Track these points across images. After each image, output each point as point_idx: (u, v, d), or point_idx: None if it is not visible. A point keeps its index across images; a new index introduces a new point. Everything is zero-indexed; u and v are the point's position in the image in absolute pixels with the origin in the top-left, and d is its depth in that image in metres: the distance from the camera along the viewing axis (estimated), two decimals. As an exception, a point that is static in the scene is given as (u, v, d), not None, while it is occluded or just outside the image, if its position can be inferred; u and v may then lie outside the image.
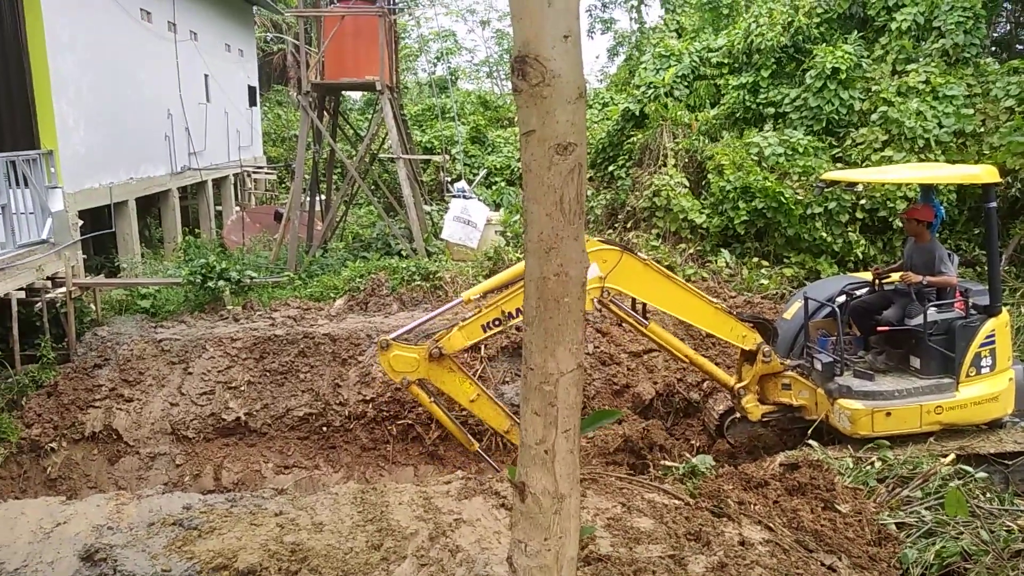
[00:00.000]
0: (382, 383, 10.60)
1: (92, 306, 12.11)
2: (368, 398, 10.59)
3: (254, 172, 24.83)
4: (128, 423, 10.45)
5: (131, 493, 7.10)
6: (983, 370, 7.80)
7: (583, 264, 2.12)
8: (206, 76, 21.41)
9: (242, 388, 10.92)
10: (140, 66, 17.12)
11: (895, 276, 8.53)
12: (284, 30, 34.72)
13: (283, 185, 26.45)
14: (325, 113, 16.49)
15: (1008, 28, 22.10)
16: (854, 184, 10.12)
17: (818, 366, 8.16)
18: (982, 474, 6.75)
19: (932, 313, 7.79)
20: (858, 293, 8.65)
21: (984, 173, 7.82)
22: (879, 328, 8.10)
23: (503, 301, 7.45)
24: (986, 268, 8.56)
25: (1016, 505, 6.01)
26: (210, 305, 12.59)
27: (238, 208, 22.33)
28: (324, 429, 10.66)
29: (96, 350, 11.11)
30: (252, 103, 26.85)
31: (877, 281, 8.64)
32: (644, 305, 8.16)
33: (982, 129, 13.42)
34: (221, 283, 12.60)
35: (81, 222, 13.60)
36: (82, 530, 5.91)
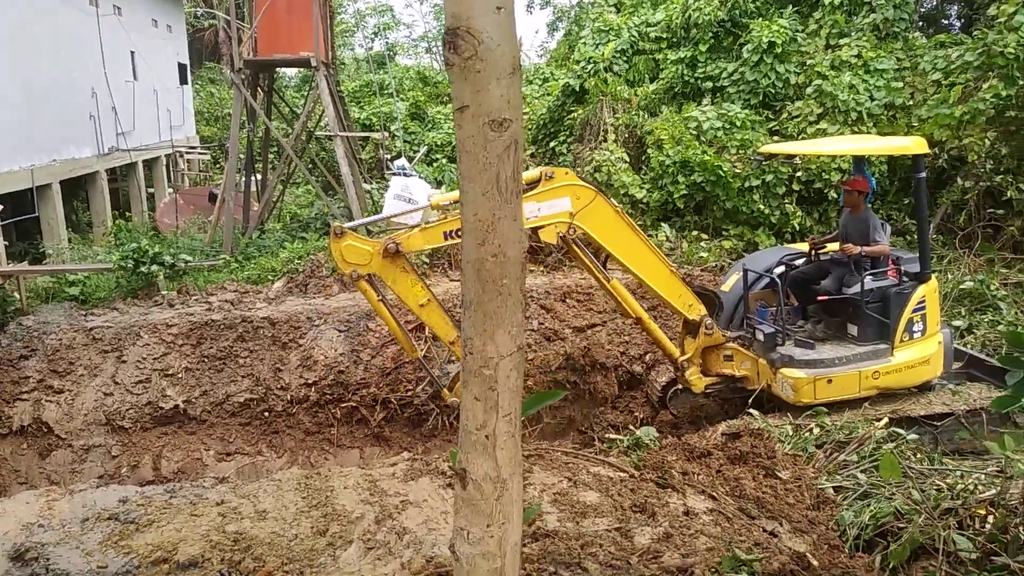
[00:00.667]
0: (324, 366, 10.45)
1: (16, 295, 11.61)
2: (310, 381, 10.42)
3: (187, 152, 24.07)
4: (59, 415, 10.09)
5: (64, 488, 6.85)
6: (915, 335, 8.07)
7: (522, 245, 2.07)
8: (132, 53, 20.60)
9: (179, 375, 10.63)
10: (60, 43, 16.36)
11: (831, 247, 8.71)
12: (215, 4, 33.57)
13: (217, 166, 25.72)
14: (259, 91, 16.04)
15: (935, 3, 22.68)
16: (792, 157, 10.26)
17: (760, 337, 8.31)
18: (913, 436, 6.98)
19: (868, 281, 8.00)
20: (795, 264, 8.81)
21: (914, 144, 8.02)
22: (818, 298, 8.28)
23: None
24: (916, 236, 8.81)
25: (944, 464, 6.22)
26: (143, 291, 12.19)
27: (171, 190, 21.65)
28: (266, 414, 10.46)
29: (22, 340, 10.66)
30: (183, 81, 25.97)
31: (813, 251, 8.82)
32: (605, 260, 8.16)
33: (911, 102, 13.76)
34: (154, 268, 12.20)
35: (0, 207, 12.98)
36: (11, 529, 5.68)
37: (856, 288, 8.05)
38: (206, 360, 10.76)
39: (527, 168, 16.21)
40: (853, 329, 8.21)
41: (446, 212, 7.41)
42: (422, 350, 8.14)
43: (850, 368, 7.92)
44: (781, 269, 8.75)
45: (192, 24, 33.86)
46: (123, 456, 10.06)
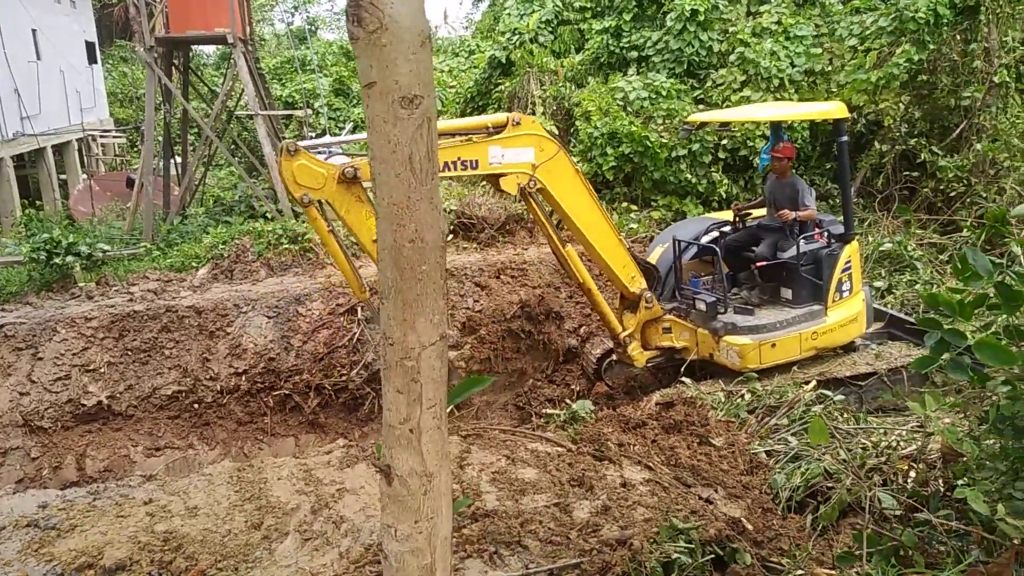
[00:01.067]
0: (254, 354, 10.17)
1: (-83, 292, 10.94)
2: (240, 370, 10.13)
3: (100, 136, 23.01)
4: (-29, 418, 9.57)
5: (-21, 494, 6.51)
6: (844, 295, 8.36)
7: (440, 229, 1.97)
8: (34, 31, 19.50)
9: (102, 370, 10.20)
10: (-48, 22, 15.36)
11: (756, 213, 8.85)
12: (122, -21, 32.01)
13: (135, 149, 24.67)
14: (175, 70, 15.37)
15: (849, -30, 23.13)
16: (727, 124, 10.35)
17: (701, 306, 8.33)
18: (839, 396, 7.19)
19: (802, 245, 8.20)
20: (723, 232, 8.93)
21: (836, 109, 8.26)
22: (757, 264, 8.41)
23: (442, 147, 6.82)
24: (839, 200, 9.06)
25: (869, 423, 6.41)
26: (59, 283, 11.63)
27: (85, 176, 20.69)
28: (196, 406, 10.14)
29: (-74, 341, 10.06)
30: (92, 60, 24.75)
31: (739, 219, 8.95)
32: (558, 224, 8.07)
33: (830, 68, 14.05)
34: (70, 259, 11.63)
35: None
36: (-81, 543, 5.36)
37: (791, 252, 8.24)
38: (130, 353, 10.35)
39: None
40: (787, 293, 8.41)
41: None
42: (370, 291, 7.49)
43: (791, 331, 8.13)
44: (712, 236, 8.86)
45: (99, 0, 32.26)
46: (44, 458, 9.62)
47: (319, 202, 6.78)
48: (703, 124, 9.81)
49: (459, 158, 6.92)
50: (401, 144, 1.86)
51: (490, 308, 8.13)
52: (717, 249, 8.48)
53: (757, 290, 8.70)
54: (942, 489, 4.60)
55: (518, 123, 7.13)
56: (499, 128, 7.07)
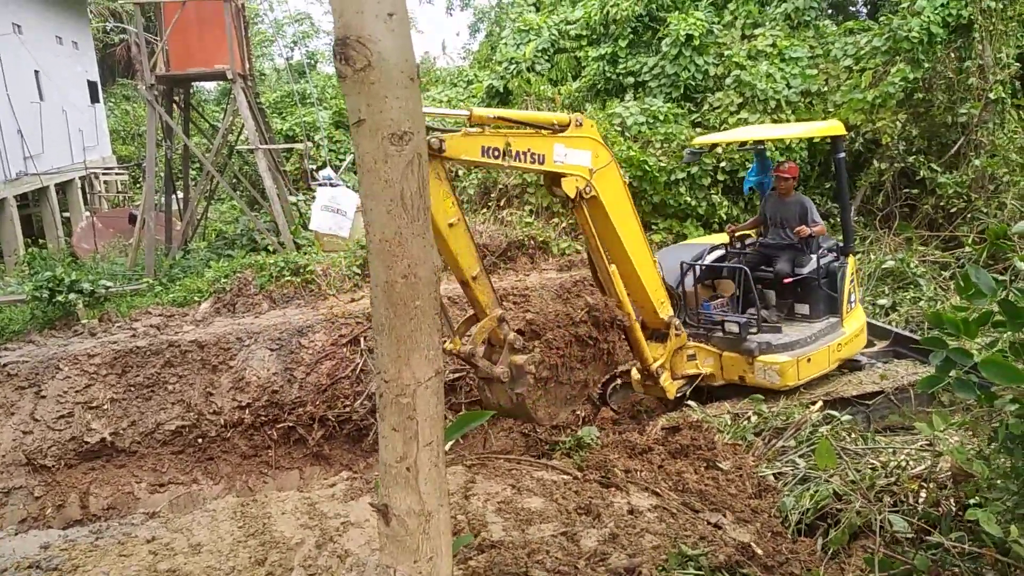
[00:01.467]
0: (257, 387, 10.15)
1: (-79, 334, 10.96)
2: (244, 404, 10.09)
3: (103, 173, 23.16)
4: (-25, 458, 9.54)
5: (-17, 536, 6.46)
6: (852, 305, 8.46)
7: (433, 264, 1.96)
8: (36, 72, 19.71)
9: (105, 407, 10.17)
10: (-45, 65, 15.55)
11: (754, 233, 8.89)
12: (125, 19, 32.42)
13: (137, 186, 24.84)
14: (176, 106, 15.51)
15: (842, -9, 23.36)
16: (744, 143, 10.25)
17: (733, 328, 8.15)
18: (847, 416, 7.12)
19: (815, 261, 8.31)
20: (715, 255, 8.97)
21: (833, 127, 8.43)
22: (785, 280, 8.41)
23: (513, 135, 6.40)
24: (838, 218, 9.14)
25: (878, 442, 6.35)
26: (62, 321, 11.64)
27: (88, 213, 20.80)
28: (199, 441, 10.09)
29: (-70, 382, 10.05)
30: (94, 99, 25.00)
31: (734, 240, 9.02)
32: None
33: (825, 88, 14.13)
34: (72, 296, 11.66)
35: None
36: (-80, 589, 5.31)
37: (810, 267, 8.34)
38: (133, 389, 10.33)
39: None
40: (803, 308, 8.43)
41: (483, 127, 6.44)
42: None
43: (821, 344, 8.15)
44: (715, 257, 8.88)
45: (102, 40, 32.66)
46: (47, 496, 9.56)
47: None
48: (714, 146, 9.90)
49: (530, 150, 6.47)
50: (392, 181, 1.85)
51: (553, 311, 7.59)
52: (746, 270, 8.27)
53: (774, 309, 8.66)
54: (954, 510, 4.53)
55: (580, 124, 6.79)
56: (563, 127, 6.72)
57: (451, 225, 6.16)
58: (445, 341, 6.46)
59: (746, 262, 8.74)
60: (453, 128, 6.37)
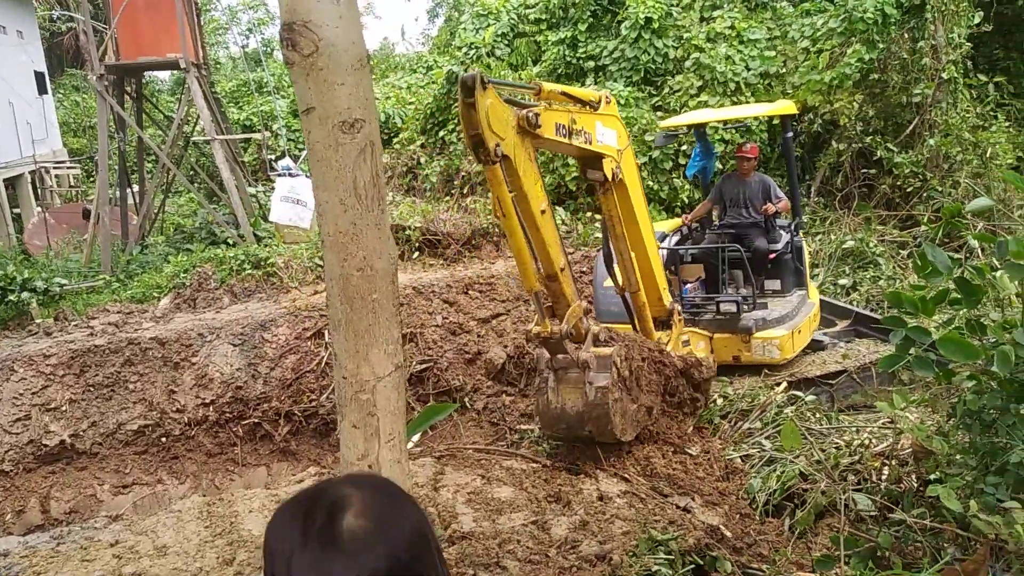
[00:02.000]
0: (221, 383, 9.98)
1: None
2: (207, 401, 9.93)
3: (54, 167, 22.54)
4: (-72, 465, 9.26)
5: (-62, 545, 6.26)
6: (813, 278, 8.65)
7: (389, 255, 1.91)
8: (-21, 64, 19.09)
9: (63, 408, 9.93)
10: None
11: (774, 207, 8.88)
12: (72, 7, 31.48)
13: (90, 179, 24.21)
14: (128, 97, 15.13)
15: (798, -27, 23.54)
16: (701, 125, 10.18)
17: (729, 308, 8.15)
18: (811, 396, 7.21)
19: (785, 236, 8.46)
20: (676, 239, 9.07)
21: (785, 107, 8.66)
22: (770, 256, 8.56)
23: (575, 112, 5.94)
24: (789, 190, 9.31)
25: (841, 422, 6.43)
26: (15, 321, 11.33)
27: (39, 209, 20.24)
28: (163, 440, 9.90)
29: None
30: (42, 91, 24.26)
31: (690, 226, 9.14)
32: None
33: (784, 70, 14.23)
34: (25, 295, 11.35)
35: None
36: None
37: (783, 243, 8.53)
38: (92, 389, 10.10)
39: (405, 168, 15.94)
40: (774, 284, 8.56)
41: (549, 103, 5.85)
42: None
43: (804, 316, 8.32)
44: (675, 239, 8.96)
45: (48, 29, 31.71)
46: (6, 502, 9.32)
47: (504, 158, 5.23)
48: (675, 130, 9.94)
49: (583, 128, 5.97)
50: (344, 169, 1.79)
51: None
52: (745, 254, 8.27)
53: (750, 286, 8.66)
54: (915, 486, 4.61)
55: (609, 101, 6.36)
56: (596, 104, 6.22)
57: (543, 212, 5.67)
58: (531, 325, 5.89)
59: (711, 246, 8.80)
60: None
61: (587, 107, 6.18)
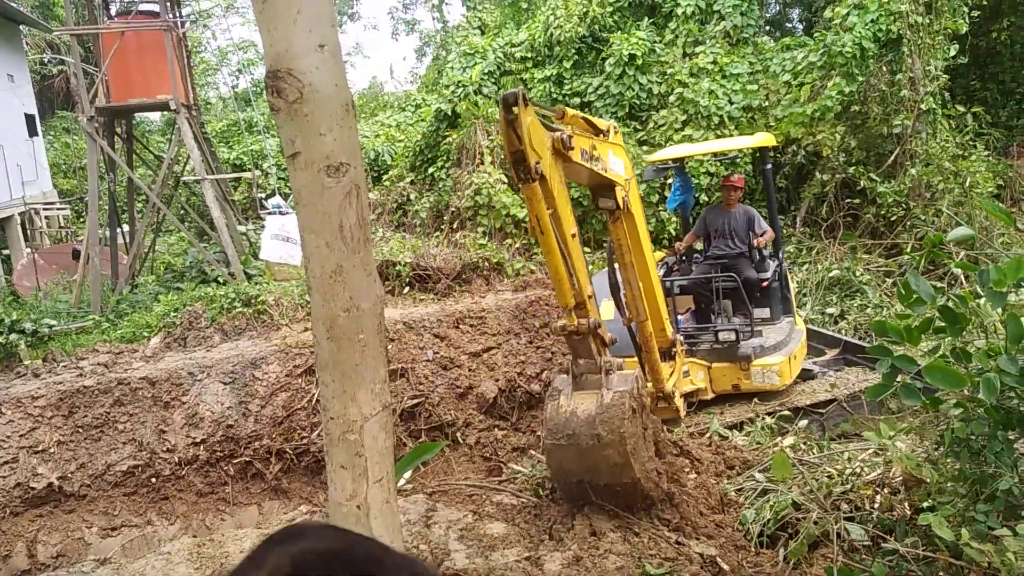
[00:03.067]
0: (212, 422, 9.91)
1: None
2: (198, 440, 9.84)
3: (44, 209, 22.55)
4: (-87, 510, 9.12)
5: (-78, 593, 6.17)
6: (802, 308, 8.72)
7: (376, 295, 1.93)
8: (-30, 107, 19.16)
9: (51, 450, 9.82)
10: None
11: (762, 239, 8.97)
12: (63, 50, 31.75)
13: (80, 220, 24.22)
14: (118, 138, 15.21)
15: (778, 9, 24.04)
16: (680, 160, 10.30)
17: (728, 337, 8.18)
18: (803, 422, 7.24)
19: (773, 264, 8.56)
20: (662, 272, 9.16)
21: (764, 139, 8.80)
22: (763, 284, 8.66)
23: (594, 138, 6.02)
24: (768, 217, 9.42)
25: (832, 451, 6.44)
26: (2, 363, 11.24)
27: (29, 250, 20.20)
28: (153, 480, 9.80)
29: None
30: (32, 133, 24.35)
31: (683, 257, 9.22)
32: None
33: (766, 103, 14.46)
34: (13, 336, 11.28)
35: None
36: None
37: (770, 272, 8.63)
38: (81, 430, 10.00)
39: (395, 205, 16.03)
40: (763, 312, 8.61)
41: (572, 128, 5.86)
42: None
43: (797, 343, 8.41)
44: (661, 272, 9.02)
45: (39, 72, 31.94)
46: (-8, 547, 9.18)
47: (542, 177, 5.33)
48: (663, 164, 10.01)
49: (600, 155, 6.03)
50: (330, 213, 1.83)
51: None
52: (736, 280, 8.32)
53: (740, 315, 8.73)
54: (907, 514, 4.61)
55: (616, 131, 6.54)
56: (605, 133, 6.35)
57: (573, 236, 5.64)
58: (559, 320, 5.72)
59: (700, 277, 8.86)
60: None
61: (600, 135, 6.26)
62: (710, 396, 8.28)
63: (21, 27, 25.09)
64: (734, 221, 8.84)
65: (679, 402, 7.53)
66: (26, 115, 24.11)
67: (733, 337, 8.11)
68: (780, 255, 9.00)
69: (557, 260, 5.43)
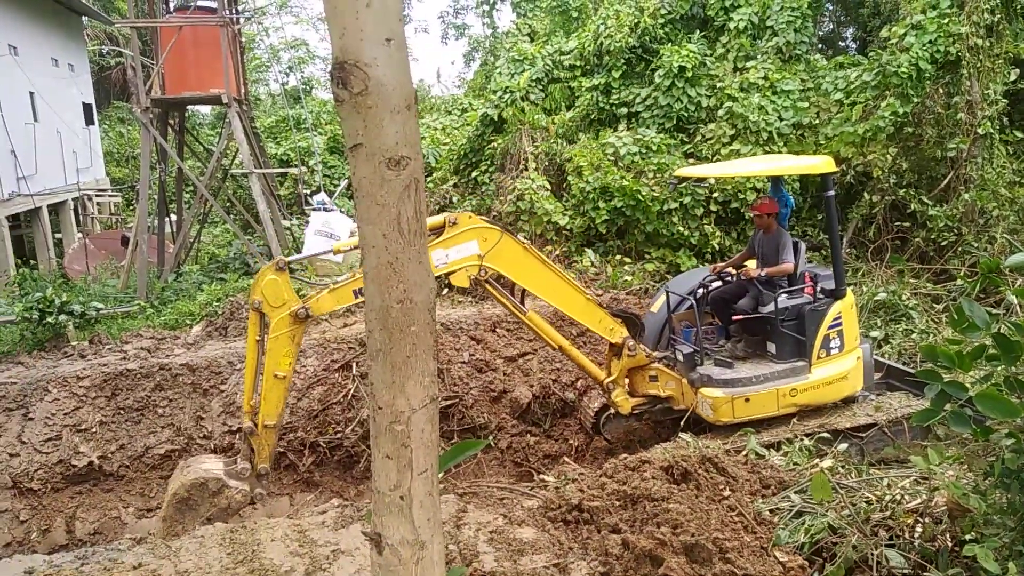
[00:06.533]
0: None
1: (-93, 354, 10.84)
2: (234, 428, 9.98)
3: (96, 195, 23.14)
4: (-41, 481, 9.39)
5: (-37, 562, 6.35)
6: (832, 351, 8.19)
7: (429, 288, 1.95)
8: (31, 94, 19.76)
9: (93, 430, 10.05)
10: (-50, 86, 15.58)
11: (749, 264, 8.85)
12: (121, 43, 32.59)
13: (130, 208, 24.80)
14: (170, 129, 15.56)
15: (832, 27, 23.75)
16: (703, 179, 10.42)
17: (680, 357, 8.36)
18: (843, 445, 7.10)
19: (783, 300, 8.13)
20: (715, 284, 8.93)
21: (823, 164, 8.15)
22: (734, 317, 8.39)
23: (433, 242, 7.26)
24: (830, 252, 8.98)
25: (872, 475, 6.30)
26: (51, 342, 11.54)
27: (80, 235, 20.74)
28: (188, 466, 9.96)
29: (-85, 404, 9.92)
30: (89, 121, 25.04)
31: (722, 276, 9.00)
32: (523, 294, 8.24)
33: (817, 121, 14.26)
34: (63, 318, 11.57)
35: None
36: (-102, 615, 5.20)
37: (771, 307, 8.17)
38: (122, 412, 10.22)
39: (437, 208, 16.17)
40: (771, 347, 8.33)
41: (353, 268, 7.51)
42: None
43: (768, 386, 7.99)
44: (701, 290, 8.86)
45: (98, 63, 32.80)
46: (32, 520, 9.41)
47: (261, 314, 7.31)
48: (686, 178, 9.88)
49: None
50: (388, 205, 1.84)
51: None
52: (693, 301, 8.58)
53: (744, 343, 8.65)
54: (950, 545, 4.50)
55: (455, 223, 7.47)
56: (437, 231, 7.38)
57: (276, 376, 7.30)
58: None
59: (721, 295, 8.75)
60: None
61: (440, 233, 7.38)
62: (683, 407, 8.36)
63: (83, 18, 25.77)
64: (766, 245, 8.56)
65: (617, 398, 8.62)
66: (84, 104, 24.79)
67: (681, 357, 8.35)
68: (817, 288, 8.43)
69: (248, 378, 7.52)
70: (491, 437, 9.91)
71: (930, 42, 13.13)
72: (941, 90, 13.51)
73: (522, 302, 8.31)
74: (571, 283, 8.22)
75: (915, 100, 13.16)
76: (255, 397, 7.45)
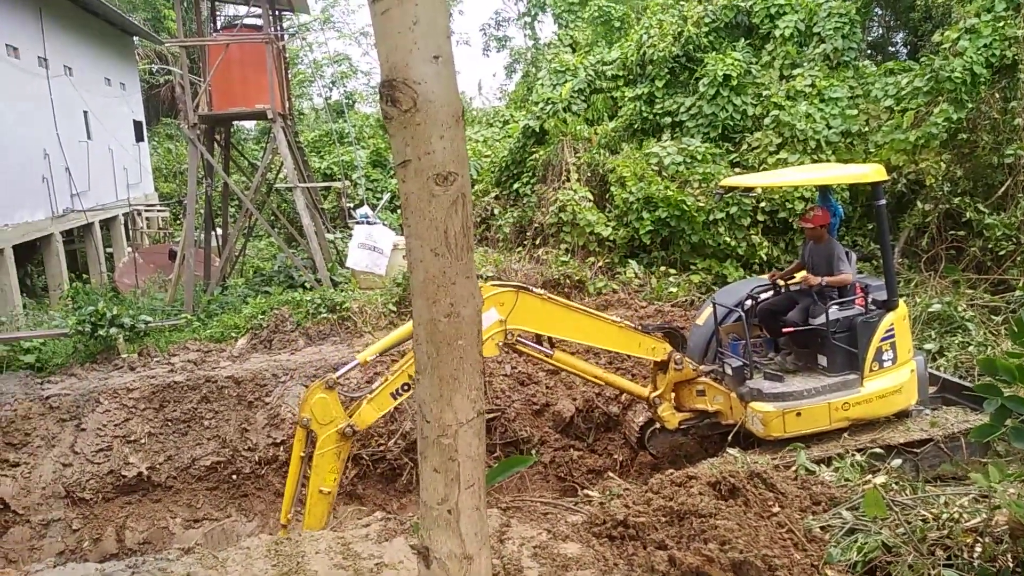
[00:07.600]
0: (292, 424, 10.13)
1: (-32, 366, 11.19)
2: (278, 441, 10.11)
3: (145, 210, 23.73)
4: (15, 490, 9.64)
5: (20, 568, 6.49)
6: (885, 364, 7.97)
7: (476, 302, 1.93)
8: (85, 112, 20.35)
9: (142, 441, 10.26)
10: (8, 105, 16.10)
11: (799, 276, 8.67)
12: (170, 61, 33.46)
13: (177, 222, 25.37)
14: (216, 145, 15.87)
15: (881, 32, 23.32)
16: (750, 189, 10.25)
17: (729, 370, 8.21)
18: (897, 461, 6.89)
19: (834, 311, 7.94)
20: (764, 296, 8.75)
21: (873, 172, 7.95)
22: (784, 329, 8.21)
23: (408, 365, 7.17)
24: (882, 263, 8.75)
25: (927, 492, 6.11)
26: (102, 355, 11.82)
27: (130, 249, 21.25)
28: (234, 477, 10.11)
29: (-26, 414, 10.23)
30: (139, 138, 25.72)
31: (777, 285, 8.78)
32: (550, 338, 8.08)
33: (866, 128, 13.97)
34: (113, 331, 11.85)
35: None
36: (-44, 621, 5.32)
37: (821, 319, 7.98)
38: (170, 424, 10.41)
39: (479, 220, 16.23)
40: (822, 360, 8.12)
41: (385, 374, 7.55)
42: None
43: (819, 400, 7.80)
44: (749, 302, 8.69)
45: (148, 81, 33.69)
46: (84, 529, 9.62)
47: (308, 431, 7.35)
48: (733, 188, 9.70)
49: None
50: (436, 220, 1.83)
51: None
52: (743, 314, 8.35)
53: (793, 356, 8.46)
54: (1011, 566, 4.32)
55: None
56: None
57: (321, 492, 7.47)
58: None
59: (770, 307, 8.58)
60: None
61: None
62: (731, 422, 8.16)
63: (134, 39, 26.51)
64: (816, 255, 8.36)
65: (664, 412, 8.45)
66: (134, 122, 25.47)
67: (730, 371, 8.16)
68: (868, 300, 8.21)
69: (289, 486, 7.62)
70: (534, 451, 9.84)
71: (985, 46, 12.78)
72: (997, 95, 13.14)
73: (550, 344, 8.14)
74: (600, 317, 8.07)
75: (970, 106, 12.82)
76: (292, 511, 7.59)
